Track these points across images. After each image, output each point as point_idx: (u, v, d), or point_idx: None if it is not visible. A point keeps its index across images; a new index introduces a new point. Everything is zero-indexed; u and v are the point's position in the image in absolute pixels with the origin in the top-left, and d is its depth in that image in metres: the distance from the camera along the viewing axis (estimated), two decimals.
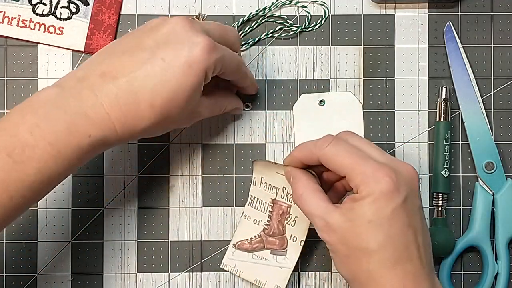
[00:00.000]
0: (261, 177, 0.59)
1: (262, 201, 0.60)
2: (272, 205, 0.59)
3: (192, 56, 0.50)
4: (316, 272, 0.62)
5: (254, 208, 0.60)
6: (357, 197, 0.50)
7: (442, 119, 0.61)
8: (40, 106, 0.48)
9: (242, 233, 0.60)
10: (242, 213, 0.61)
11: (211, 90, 0.55)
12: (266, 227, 0.60)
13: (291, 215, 0.59)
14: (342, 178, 0.55)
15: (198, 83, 0.51)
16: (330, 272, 0.62)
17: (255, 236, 0.60)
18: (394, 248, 0.49)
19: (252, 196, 0.60)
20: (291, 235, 0.59)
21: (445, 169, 0.60)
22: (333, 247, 0.51)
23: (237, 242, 0.60)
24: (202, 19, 0.60)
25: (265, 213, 0.59)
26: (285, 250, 0.59)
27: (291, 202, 0.58)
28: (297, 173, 0.55)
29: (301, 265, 0.62)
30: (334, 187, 0.57)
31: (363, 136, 0.62)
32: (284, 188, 0.58)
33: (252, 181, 0.60)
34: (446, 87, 0.61)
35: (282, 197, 0.59)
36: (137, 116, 0.49)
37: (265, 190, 0.59)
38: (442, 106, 0.61)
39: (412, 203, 0.50)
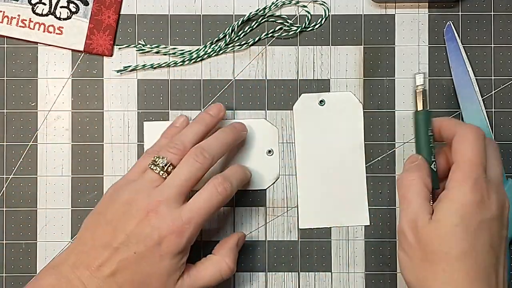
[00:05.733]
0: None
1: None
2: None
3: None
4: (316, 272, 0.62)
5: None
6: (444, 196, 0.49)
7: (422, 108, 0.56)
8: None
9: None
10: None
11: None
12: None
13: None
14: None
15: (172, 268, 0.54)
16: (330, 272, 0.62)
17: None
18: (475, 262, 0.47)
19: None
20: None
21: (434, 162, 0.55)
22: (409, 248, 0.49)
23: None
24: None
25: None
26: None
27: None
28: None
29: (301, 265, 0.62)
30: None
31: (363, 137, 0.62)
32: None
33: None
34: (423, 73, 0.59)
35: None
36: None
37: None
38: (421, 94, 0.57)
39: (497, 227, 0.49)
